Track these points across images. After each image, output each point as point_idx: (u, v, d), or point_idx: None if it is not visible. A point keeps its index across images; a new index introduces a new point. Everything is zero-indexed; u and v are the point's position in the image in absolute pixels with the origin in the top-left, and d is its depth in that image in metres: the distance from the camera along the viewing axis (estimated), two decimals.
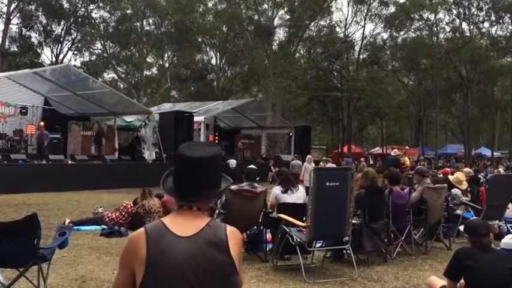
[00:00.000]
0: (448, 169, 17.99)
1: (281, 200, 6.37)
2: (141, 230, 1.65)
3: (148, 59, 41.67)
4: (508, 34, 37.82)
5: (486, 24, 38.81)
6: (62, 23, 37.23)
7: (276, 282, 5.28)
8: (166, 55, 41.42)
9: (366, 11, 38.96)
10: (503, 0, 36.25)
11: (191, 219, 1.67)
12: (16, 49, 37.88)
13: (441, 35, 39.09)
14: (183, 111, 21.17)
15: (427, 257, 6.69)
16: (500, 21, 37.87)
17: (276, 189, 6.58)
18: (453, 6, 38.05)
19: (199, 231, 1.64)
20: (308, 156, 17.09)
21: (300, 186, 6.89)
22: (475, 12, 37.96)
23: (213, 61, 44.05)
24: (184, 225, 1.65)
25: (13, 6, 34.75)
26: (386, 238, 6.40)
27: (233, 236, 1.68)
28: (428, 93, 40.65)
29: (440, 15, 38.69)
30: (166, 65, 42.16)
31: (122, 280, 1.65)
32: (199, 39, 38.97)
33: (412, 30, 39.03)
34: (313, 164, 15.06)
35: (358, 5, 39.01)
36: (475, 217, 7.10)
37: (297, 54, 40.19)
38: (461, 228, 7.04)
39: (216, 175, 1.76)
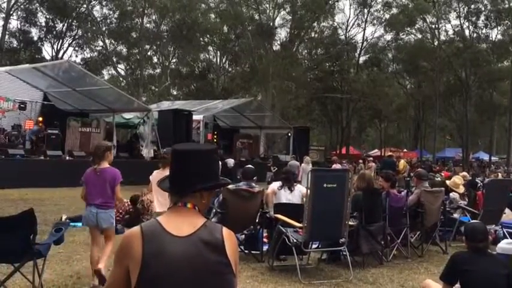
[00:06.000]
0: (448, 172, 18.06)
1: (276, 195, 6.56)
2: (137, 229, 1.63)
3: (148, 57, 41.60)
4: (508, 39, 37.82)
5: (487, 29, 38.89)
6: (64, 19, 37.16)
7: (272, 283, 5.28)
8: (167, 53, 41.37)
9: (367, 13, 39.00)
10: (503, 4, 36.29)
11: (187, 218, 1.66)
12: (16, 45, 37.82)
13: (442, 37, 39.17)
14: (182, 109, 21.13)
15: (423, 260, 6.70)
16: (501, 24, 37.89)
17: (275, 184, 6.85)
18: (455, 8, 38.15)
19: (196, 231, 1.63)
20: (306, 157, 17.07)
21: (298, 185, 6.97)
22: (478, 16, 38.01)
23: (214, 60, 44.10)
24: (180, 225, 1.63)
25: (13, 0, 34.67)
26: (382, 240, 6.40)
27: (229, 237, 1.68)
28: (428, 97, 40.70)
29: (442, 20, 38.79)
30: (167, 63, 42.13)
31: (116, 278, 1.64)
32: (200, 38, 38.94)
33: (413, 33, 39.07)
34: (310, 165, 15.06)
35: (361, 7, 39.00)
36: (473, 220, 7.09)
37: (299, 56, 40.11)
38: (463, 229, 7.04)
39: (207, 169, 1.74)
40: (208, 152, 1.79)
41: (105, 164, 4.90)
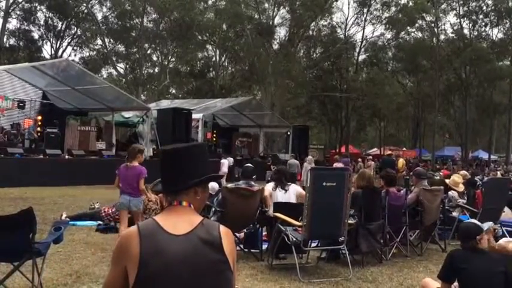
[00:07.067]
0: (447, 171, 18.10)
1: (272, 196, 6.58)
2: (134, 228, 1.63)
3: (148, 56, 41.53)
4: (508, 39, 37.78)
5: (487, 28, 38.87)
6: (63, 18, 37.12)
7: (271, 281, 5.28)
8: (166, 51, 41.35)
9: (366, 12, 38.90)
10: (505, 3, 36.25)
11: (184, 217, 1.67)
12: (15, 43, 37.78)
13: (442, 36, 39.12)
14: (182, 108, 21.15)
15: (422, 258, 6.71)
16: (501, 24, 37.86)
17: (268, 185, 6.86)
18: (455, 7, 38.14)
19: (193, 229, 1.63)
20: (309, 156, 17.09)
21: (292, 184, 6.99)
22: (478, 15, 37.98)
23: (213, 58, 44.03)
24: (177, 223, 1.64)
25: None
26: (382, 239, 6.41)
27: (226, 234, 1.68)
28: (427, 95, 40.68)
29: (444, 19, 38.79)
30: (166, 62, 42.08)
31: (113, 277, 1.64)
32: (200, 37, 38.90)
33: (413, 31, 39.00)
34: (313, 165, 15.07)
35: (360, 7, 38.92)
36: (470, 219, 7.09)
37: (299, 54, 40.05)
38: None
39: (196, 165, 1.76)
40: (195, 148, 1.81)
41: (135, 163, 6.00)
